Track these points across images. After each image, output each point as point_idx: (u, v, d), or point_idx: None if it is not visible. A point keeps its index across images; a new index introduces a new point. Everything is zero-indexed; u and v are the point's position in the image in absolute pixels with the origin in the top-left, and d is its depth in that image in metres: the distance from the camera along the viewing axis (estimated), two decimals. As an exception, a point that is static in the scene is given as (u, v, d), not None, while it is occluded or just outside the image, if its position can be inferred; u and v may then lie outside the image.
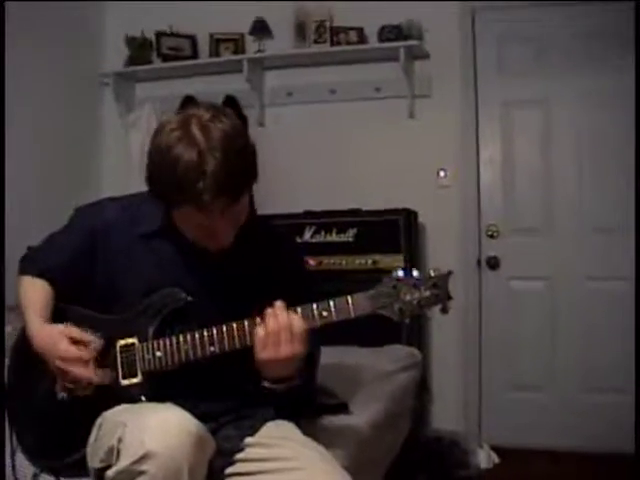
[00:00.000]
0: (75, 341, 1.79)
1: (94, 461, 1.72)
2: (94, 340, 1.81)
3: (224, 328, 1.74)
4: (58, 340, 1.79)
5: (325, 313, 1.69)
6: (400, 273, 1.68)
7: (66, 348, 1.78)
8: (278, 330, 1.68)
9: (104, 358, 1.81)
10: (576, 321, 4.20)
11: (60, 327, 1.83)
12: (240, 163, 1.66)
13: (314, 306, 1.70)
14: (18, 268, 1.99)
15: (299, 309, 1.71)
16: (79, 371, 1.78)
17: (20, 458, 1.92)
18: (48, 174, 4.45)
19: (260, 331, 1.69)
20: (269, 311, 1.71)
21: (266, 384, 1.77)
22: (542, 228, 4.32)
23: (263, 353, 1.69)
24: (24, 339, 1.90)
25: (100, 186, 4.94)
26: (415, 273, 1.68)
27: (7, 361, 2.04)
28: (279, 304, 1.71)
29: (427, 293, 1.67)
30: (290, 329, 1.68)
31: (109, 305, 1.88)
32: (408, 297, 1.66)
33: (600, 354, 4.09)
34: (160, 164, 1.66)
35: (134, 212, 1.91)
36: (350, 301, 1.69)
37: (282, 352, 1.68)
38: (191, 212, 1.68)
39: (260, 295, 1.77)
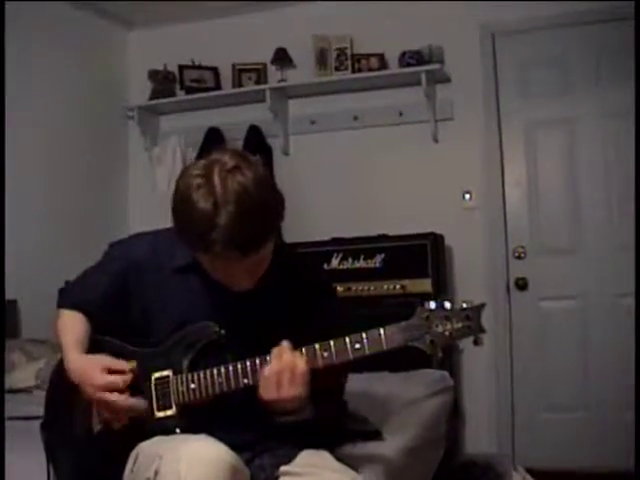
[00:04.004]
0: (110, 370, 1.82)
1: (131, 493, 1.74)
2: (128, 368, 1.84)
3: (257, 361, 1.75)
4: (93, 369, 1.82)
5: (358, 346, 1.69)
6: (432, 305, 1.68)
7: (101, 376, 1.81)
8: (280, 371, 1.69)
9: (138, 390, 1.84)
10: (608, 339, 4.17)
11: (95, 357, 1.86)
12: (254, 220, 1.63)
13: (347, 340, 1.70)
14: (57, 301, 2.03)
15: (331, 342, 1.71)
16: (114, 398, 1.80)
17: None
18: (75, 208, 4.52)
19: (264, 371, 1.71)
20: (274, 352, 1.72)
21: (275, 417, 1.78)
22: (569, 247, 4.30)
23: (264, 393, 1.71)
24: (61, 371, 1.92)
25: (126, 219, 5.00)
26: (447, 305, 1.68)
27: (45, 394, 2.08)
28: (285, 344, 1.73)
29: (459, 325, 1.65)
30: (292, 371, 1.69)
31: (143, 337, 1.90)
32: (440, 329, 1.65)
33: (634, 372, 4.04)
34: (179, 207, 1.68)
35: (166, 246, 1.93)
36: (382, 333, 1.69)
37: (282, 394, 1.69)
38: (208, 257, 1.71)
39: (292, 327, 1.79)
